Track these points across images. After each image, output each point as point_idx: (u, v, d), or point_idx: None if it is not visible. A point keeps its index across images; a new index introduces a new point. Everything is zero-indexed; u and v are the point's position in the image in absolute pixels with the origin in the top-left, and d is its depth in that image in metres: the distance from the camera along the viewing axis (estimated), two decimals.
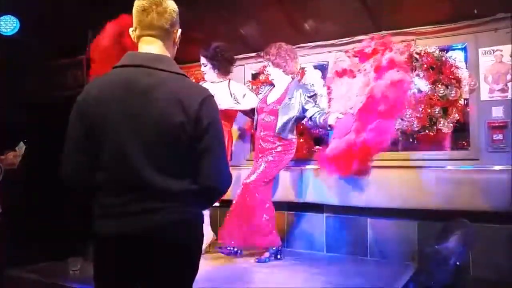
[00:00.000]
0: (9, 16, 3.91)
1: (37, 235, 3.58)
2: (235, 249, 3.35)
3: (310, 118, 3.34)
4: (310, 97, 3.36)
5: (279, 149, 3.32)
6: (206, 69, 3.61)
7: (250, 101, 3.58)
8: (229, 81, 3.67)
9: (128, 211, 1.43)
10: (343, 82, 3.23)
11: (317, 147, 4.09)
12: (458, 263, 2.72)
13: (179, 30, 1.62)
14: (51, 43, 3.94)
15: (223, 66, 3.61)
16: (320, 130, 3.66)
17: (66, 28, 3.81)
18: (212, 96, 1.55)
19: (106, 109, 1.45)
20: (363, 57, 3.15)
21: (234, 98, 3.54)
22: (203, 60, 3.60)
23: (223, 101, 3.40)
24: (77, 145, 1.50)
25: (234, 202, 3.31)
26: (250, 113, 3.69)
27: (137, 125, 1.44)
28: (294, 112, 3.32)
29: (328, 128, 3.26)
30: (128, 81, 1.48)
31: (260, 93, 3.63)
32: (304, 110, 3.34)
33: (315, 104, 3.38)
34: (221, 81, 3.64)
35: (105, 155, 1.45)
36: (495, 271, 2.98)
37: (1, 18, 3.90)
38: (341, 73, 3.24)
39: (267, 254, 3.36)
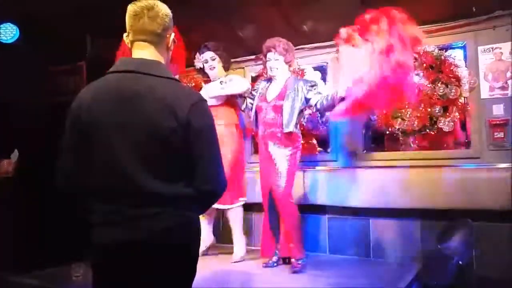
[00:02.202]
0: (9, 24, 3.94)
1: (39, 240, 3.59)
2: (304, 260, 3.24)
3: (316, 105, 3.24)
4: (311, 86, 3.28)
5: (289, 151, 3.23)
6: (215, 62, 3.62)
7: (235, 84, 3.51)
8: (226, 74, 3.67)
9: (123, 218, 1.43)
10: (348, 52, 3.01)
11: (319, 148, 4.11)
12: (461, 262, 2.71)
13: (172, 34, 1.61)
14: (50, 50, 3.95)
15: (228, 62, 3.69)
16: (324, 119, 3.68)
17: (65, 34, 3.82)
18: (204, 101, 1.54)
19: (98, 116, 1.45)
20: (363, 29, 2.93)
21: (220, 83, 3.55)
22: (211, 54, 3.60)
23: (212, 91, 3.48)
24: (70, 152, 1.51)
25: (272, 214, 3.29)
26: (239, 97, 3.63)
27: (128, 131, 1.43)
28: (297, 105, 3.23)
29: (340, 101, 3.04)
30: (119, 87, 1.48)
31: (255, 90, 3.51)
32: (307, 100, 3.25)
33: (318, 92, 3.27)
34: (223, 75, 3.66)
35: (98, 162, 1.45)
36: (498, 270, 2.95)
37: (1, 26, 3.92)
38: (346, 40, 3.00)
39: (275, 258, 3.33)
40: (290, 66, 3.40)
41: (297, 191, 3.73)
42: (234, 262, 3.46)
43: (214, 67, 3.63)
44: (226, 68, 3.70)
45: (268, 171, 3.29)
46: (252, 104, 3.49)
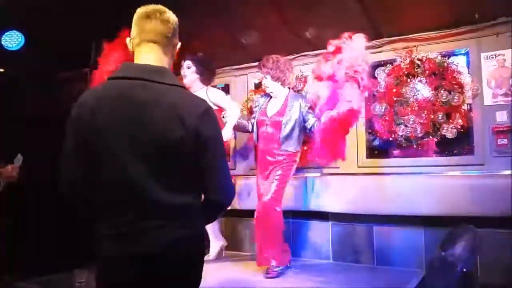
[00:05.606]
0: (14, 31, 3.97)
1: (42, 246, 3.59)
2: (281, 268, 3.26)
3: (310, 128, 3.29)
4: (310, 108, 3.32)
5: (284, 163, 3.29)
6: (189, 71, 3.56)
7: (233, 112, 3.44)
8: (207, 88, 3.61)
9: (131, 230, 1.40)
10: (326, 85, 3.09)
11: None
12: (465, 269, 2.69)
13: (179, 44, 1.61)
14: (55, 57, 3.97)
15: (206, 74, 3.62)
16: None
17: (70, 41, 3.84)
18: (211, 108, 1.52)
19: (102, 124, 1.40)
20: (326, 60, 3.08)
21: (223, 117, 3.45)
22: (188, 63, 3.56)
23: (224, 133, 3.40)
24: (73, 160, 1.46)
25: (257, 223, 3.28)
26: (248, 121, 3.62)
27: (136, 141, 1.39)
28: (297, 123, 3.30)
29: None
30: (125, 94, 1.43)
31: (256, 106, 3.56)
32: (305, 121, 3.31)
33: (314, 113, 3.30)
34: (201, 88, 3.58)
35: (105, 172, 1.41)
36: (503, 277, 2.94)
37: (6, 33, 3.96)
38: (320, 78, 3.11)
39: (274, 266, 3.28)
40: (283, 83, 3.39)
41: (300, 198, 3.74)
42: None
43: (186, 76, 3.57)
44: (204, 81, 3.62)
45: (262, 182, 3.35)
46: (254, 119, 3.53)
